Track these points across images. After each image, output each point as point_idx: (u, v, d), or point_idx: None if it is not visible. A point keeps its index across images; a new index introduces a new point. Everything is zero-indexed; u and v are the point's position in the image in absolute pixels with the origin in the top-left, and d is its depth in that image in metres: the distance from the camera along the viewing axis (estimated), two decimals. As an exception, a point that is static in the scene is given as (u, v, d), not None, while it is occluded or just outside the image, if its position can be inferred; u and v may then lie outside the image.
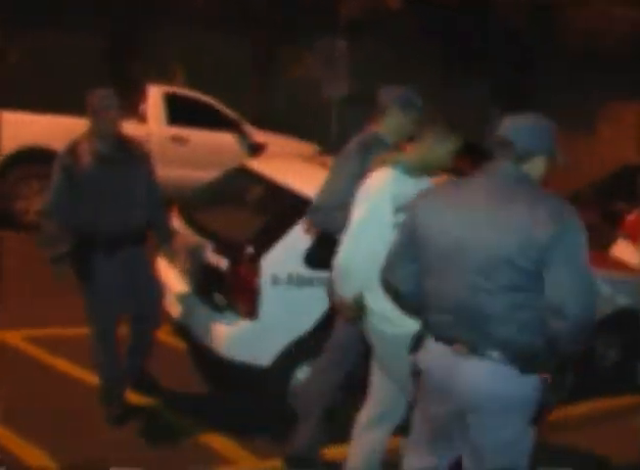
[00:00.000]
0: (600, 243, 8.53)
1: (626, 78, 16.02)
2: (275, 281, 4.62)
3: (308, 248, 4.70)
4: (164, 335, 5.57)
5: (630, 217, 8.72)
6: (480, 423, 3.00)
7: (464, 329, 2.96)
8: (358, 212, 3.49)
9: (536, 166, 3.00)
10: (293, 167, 5.78)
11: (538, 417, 2.97)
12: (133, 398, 5.01)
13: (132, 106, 9.56)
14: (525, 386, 2.92)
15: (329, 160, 6.25)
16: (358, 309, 3.67)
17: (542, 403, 2.93)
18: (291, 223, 4.75)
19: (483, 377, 2.92)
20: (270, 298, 4.61)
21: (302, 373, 4.79)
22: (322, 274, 4.68)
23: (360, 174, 3.73)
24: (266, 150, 10.59)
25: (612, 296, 6.01)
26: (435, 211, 3.03)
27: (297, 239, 4.70)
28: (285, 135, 11.72)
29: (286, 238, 4.71)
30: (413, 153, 3.59)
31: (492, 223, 2.87)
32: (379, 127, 4.14)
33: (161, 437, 4.69)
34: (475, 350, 2.93)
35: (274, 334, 4.67)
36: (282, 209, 5.08)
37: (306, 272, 4.69)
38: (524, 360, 2.89)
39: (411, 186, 3.43)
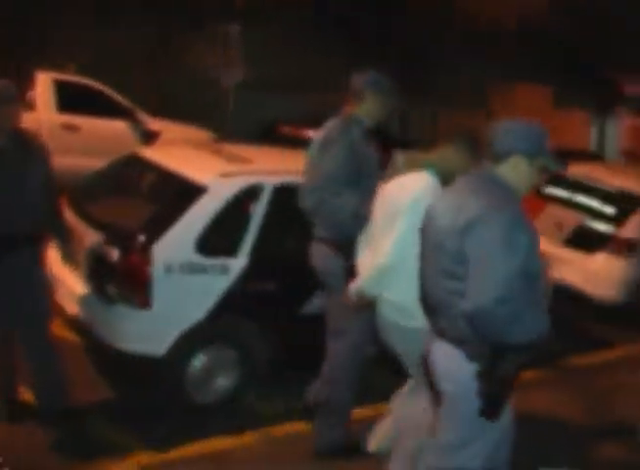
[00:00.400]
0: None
1: (520, 60, 16.39)
2: (168, 269, 4.55)
3: (201, 235, 4.66)
4: (59, 329, 5.41)
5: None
6: (444, 402, 3.18)
7: (433, 313, 3.20)
8: (410, 217, 3.60)
9: (514, 167, 3.07)
10: (184, 155, 5.70)
11: (486, 407, 3.00)
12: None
13: (21, 93, 9.24)
14: (466, 371, 3.02)
15: (224, 146, 6.23)
16: (371, 301, 3.89)
17: (480, 392, 2.99)
18: (182, 211, 4.68)
19: (440, 355, 3.13)
20: (163, 287, 4.55)
21: (199, 361, 4.77)
22: (215, 261, 4.67)
23: (347, 156, 4.12)
24: (160, 137, 10.43)
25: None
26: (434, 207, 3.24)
27: (190, 226, 4.65)
28: (181, 122, 11.56)
29: (178, 225, 4.64)
30: (437, 158, 3.81)
31: (444, 213, 3.06)
32: (354, 110, 4.35)
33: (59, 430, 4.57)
34: (440, 333, 3.13)
35: (168, 323, 4.62)
36: (173, 196, 5.01)
37: (199, 260, 4.64)
38: (465, 347, 3.02)
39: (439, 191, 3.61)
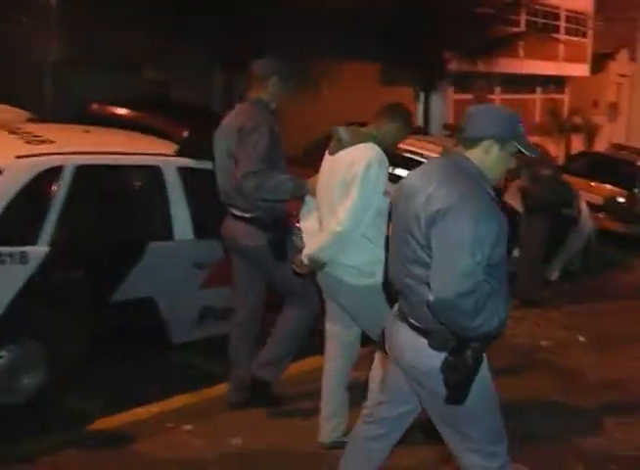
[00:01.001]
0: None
1: (347, 39, 16.41)
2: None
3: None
4: None
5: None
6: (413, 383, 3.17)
7: (397, 297, 3.23)
8: (364, 185, 3.89)
9: (486, 152, 3.00)
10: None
11: (453, 395, 2.97)
12: None
13: None
14: (433, 360, 2.97)
15: (25, 126, 5.78)
16: (321, 265, 4.13)
17: (446, 382, 2.95)
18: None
19: (404, 343, 3.10)
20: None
21: (1, 360, 4.41)
22: (12, 250, 4.33)
23: (271, 139, 4.45)
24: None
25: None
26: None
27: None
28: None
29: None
30: (376, 130, 4.14)
31: (412, 198, 2.97)
32: (261, 94, 4.63)
33: None
34: (403, 316, 3.11)
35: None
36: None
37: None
38: (428, 335, 2.99)
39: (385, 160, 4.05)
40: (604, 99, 30.22)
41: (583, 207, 9.72)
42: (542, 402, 5.38)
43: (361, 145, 4.03)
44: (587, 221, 9.61)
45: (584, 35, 28.45)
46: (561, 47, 26.05)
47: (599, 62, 29.41)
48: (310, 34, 16.19)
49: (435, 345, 2.97)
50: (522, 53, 22.85)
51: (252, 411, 4.80)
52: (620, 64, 31.36)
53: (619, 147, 23.52)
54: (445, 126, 12.47)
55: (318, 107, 17.18)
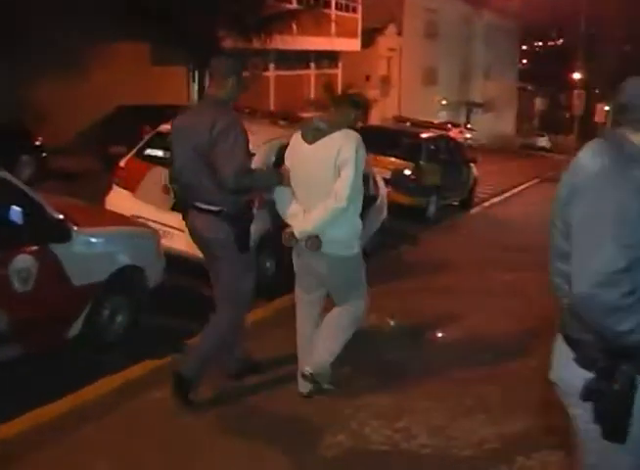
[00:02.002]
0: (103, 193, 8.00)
1: (119, 19, 15.56)
2: None
3: None
4: None
5: (122, 163, 8.17)
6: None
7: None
8: (355, 166, 4.51)
9: None
10: None
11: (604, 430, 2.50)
12: None
13: None
14: (577, 379, 2.54)
15: None
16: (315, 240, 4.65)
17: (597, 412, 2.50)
18: None
19: (556, 357, 2.70)
20: None
21: None
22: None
23: (245, 136, 4.64)
24: None
25: (112, 255, 5.65)
26: None
27: None
28: None
29: None
30: (343, 118, 4.74)
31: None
32: (220, 93, 4.73)
33: None
34: (561, 327, 2.70)
35: None
36: None
37: None
38: (577, 348, 2.61)
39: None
40: (375, 73, 31.01)
41: (380, 183, 9.49)
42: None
43: (343, 131, 4.62)
44: (384, 198, 9.44)
45: (354, 10, 28.91)
46: (332, 23, 26.32)
47: (369, 37, 30.09)
48: (75, 18, 15.15)
49: (581, 361, 2.52)
50: (295, 29, 22.78)
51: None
52: (389, 38, 32.31)
53: (400, 119, 24.13)
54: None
55: (86, 89, 16.17)
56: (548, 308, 7.85)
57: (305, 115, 23.24)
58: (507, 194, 19.12)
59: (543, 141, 49.29)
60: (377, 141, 14.38)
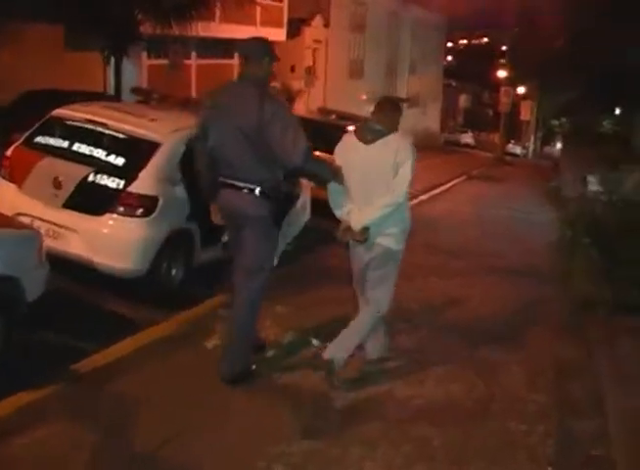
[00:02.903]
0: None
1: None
2: None
3: None
4: None
5: (8, 151, 7.20)
6: None
7: None
8: (412, 165, 5.18)
9: None
10: None
11: None
12: None
13: None
14: None
15: None
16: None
17: None
18: None
19: None
20: None
21: None
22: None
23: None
24: None
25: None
26: None
27: None
28: None
29: None
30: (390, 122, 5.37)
31: None
32: (259, 71, 5.07)
33: None
34: None
35: None
36: None
37: None
38: None
39: None
40: (301, 64, 30.34)
41: (302, 180, 8.72)
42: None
43: (397, 133, 5.26)
44: (307, 197, 8.84)
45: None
46: (257, 11, 25.48)
47: (295, 27, 29.36)
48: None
49: None
50: (218, 16, 21.88)
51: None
52: (315, 29, 31.68)
53: (325, 111, 23.40)
54: (134, 90, 11.01)
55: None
56: (490, 320, 7.46)
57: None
58: (435, 191, 18.67)
59: (467, 138, 49.50)
60: None
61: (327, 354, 5.34)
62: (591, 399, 5.74)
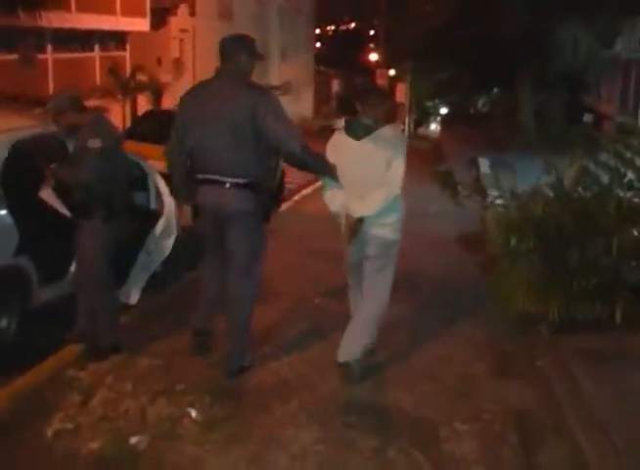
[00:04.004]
0: None
1: None
2: None
3: None
4: None
5: None
6: None
7: None
8: (403, 157, 5.35)
9: None
10: None
11: None
12: None
13: None
14: None
15: None
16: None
17: None
18: None
19: None
20: None
21: None
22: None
23: None
24: None
25: None
26: None
27: None
28: None
29: None
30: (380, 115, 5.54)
31: None
32: (236, 67, 5.33)
33: None
34: None
35: None
36: None
37: None
38: None
39: None
40: (167, 55, 29.00)
41: (164, 191, 7.11)
42: None
43: (387, 127, 5.40)
44: (172, 214, 7.01)
45: (142, -13, 26.62)
46: (117, 0, 23.99)
47: (159, 17, 27.94)
48: None
49: None
50: (74, 6, 20.33)
51: None
52: (181, 19, 30.35)
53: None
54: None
55: None
56: (399, 343, 6.42)
57: (91, 102, 21.08)
58: (318, 183, 17.72)
59: (342, 123, 49.08)
60: (165, 130, 11.69)
61: (340, 358, 5.52)
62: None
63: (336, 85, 60.13)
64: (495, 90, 38.82)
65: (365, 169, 5.27)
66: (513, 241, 6.42)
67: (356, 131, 5.33)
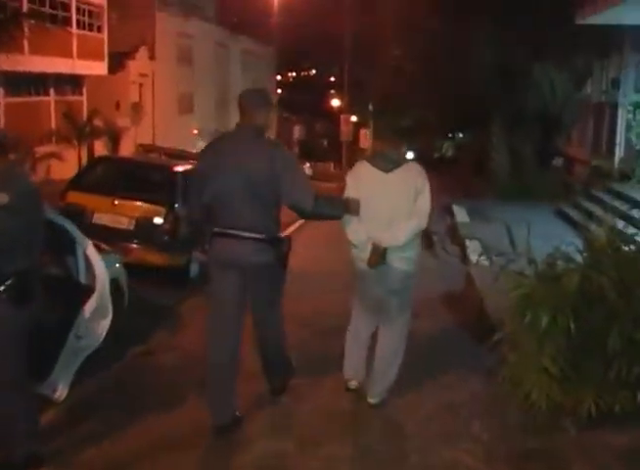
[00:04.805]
0: None
1: None
2: None
3: None
4: None
5: None
6: None
7: None
8: (429, 192, 5.46)
9: None
10: None
11: None
12: None
13: None
14: None
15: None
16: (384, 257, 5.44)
17: None
18: None
19: None
20: None
21: None
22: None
23: None
24: None
25: None
26: None
27: None
28: None
29: None
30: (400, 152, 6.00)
31: None
32: (257, 121, 5.28)
33: None
34: None
35: None
36: None
37: None
38: None
39: None
40: (126, 99, 28.21)
41: (96, 262, 5.86)
42: None
43: (410, 162, 5.60)
44: (106, 289, 5.86)
45: (99, 30, 25.90)
46: (74, 42, 23.32)
47: (118, 60, 27.26)
48: None
49: None
50: (27, 48, 19.49)
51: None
52: (141, 62, 29.69)
53: (148, 148, 20.85)
54: None
55: None
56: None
57: (46, 148, 20.09)
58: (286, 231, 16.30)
59: (305, 169, 48.65)
60: (116, 178, 10.40)
61: (373, 400, 5.64)
62: None
63: (297, 131, 59.82)
64: (460, 134, 38.52)
65: (393, 201, 5.39)
66: (545, 320, 5.06)
67: (386, 164, 5.43)
